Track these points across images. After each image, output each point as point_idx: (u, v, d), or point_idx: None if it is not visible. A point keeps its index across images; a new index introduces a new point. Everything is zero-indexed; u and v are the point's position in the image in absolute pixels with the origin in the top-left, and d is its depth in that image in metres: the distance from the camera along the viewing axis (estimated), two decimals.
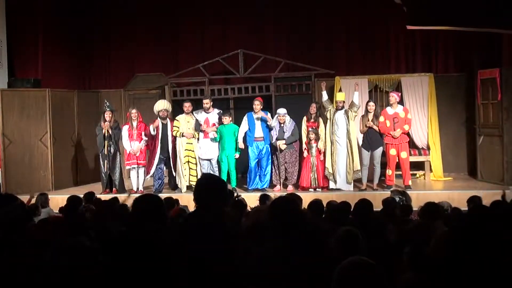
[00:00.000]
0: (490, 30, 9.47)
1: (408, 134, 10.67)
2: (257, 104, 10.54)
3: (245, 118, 10.63)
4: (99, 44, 13.69)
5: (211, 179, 4.00)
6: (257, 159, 10.51)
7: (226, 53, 12.23)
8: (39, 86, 11.93)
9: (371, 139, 10.25)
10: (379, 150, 10.30)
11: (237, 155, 10.56)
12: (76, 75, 13.72)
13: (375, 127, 10.15)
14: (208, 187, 3.76)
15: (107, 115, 10.74)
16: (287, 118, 10.49)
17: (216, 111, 10.86)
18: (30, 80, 11.92)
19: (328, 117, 10.35)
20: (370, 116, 10.21)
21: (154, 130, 10.59)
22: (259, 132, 10.48)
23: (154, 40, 13.51)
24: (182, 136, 10.62)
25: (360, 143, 10.48)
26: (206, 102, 10.78)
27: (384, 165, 10.54)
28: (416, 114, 11.49)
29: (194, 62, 12.44)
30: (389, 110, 10.35)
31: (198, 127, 10.67)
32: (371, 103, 10.30)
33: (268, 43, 12.87)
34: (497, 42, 10.84)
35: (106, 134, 10.65)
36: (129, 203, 7.17)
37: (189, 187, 10.58)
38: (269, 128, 10.47)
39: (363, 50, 12.71)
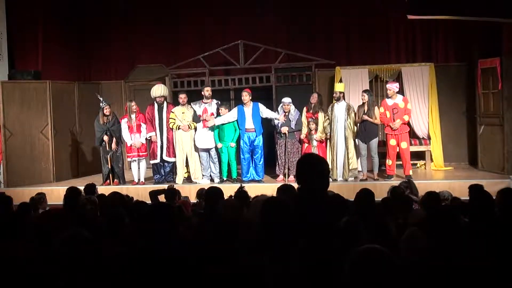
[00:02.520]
0: (490, 20, 9.44)
1: (408, 124, 10.67)
2: (245, 95, 10.49)
3: (235, 110, 10.51)
4: (99, 36, 13.65)
5: (315, 159, 3.76)
6: (250, 150, 10.49)
7: (226, 44, 12.22)
8: (39, 78, 11.93)
9: (365, 130, 10.24)
10: (375, 141, 10.29)
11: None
12: (77, 66, 13.71)
13: (370, 120, 10.14)
14: (311, 167, 3.57)
15: (106, 110, 10.75)
16: (292, 107, 10.50)
17: (215, 101, 10.85)
18: (30, 72, 11.91)
19: (330, 111, 10.37)
20: (366, 106, 10.20)
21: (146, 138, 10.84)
22: (249, 123, 10.41)
23: (155, 31, 13.47)
24: (178, 128, 10.59)
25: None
26: (208, 90, 10.78)
27: (384, 155, 10.55)
28: (417, 103, 11.48)
29: (195, 53, 12.44)
30: (389, 101, 10.33)
31: (196, 118, 10.63)
32: (365, 94, 10.25)
33: (268, 33, 12.82)
34: (497, 31, 10.81)
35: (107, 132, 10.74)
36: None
37: (187, 179, 10.67)
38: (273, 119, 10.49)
39: (363, 40, 12.67)
